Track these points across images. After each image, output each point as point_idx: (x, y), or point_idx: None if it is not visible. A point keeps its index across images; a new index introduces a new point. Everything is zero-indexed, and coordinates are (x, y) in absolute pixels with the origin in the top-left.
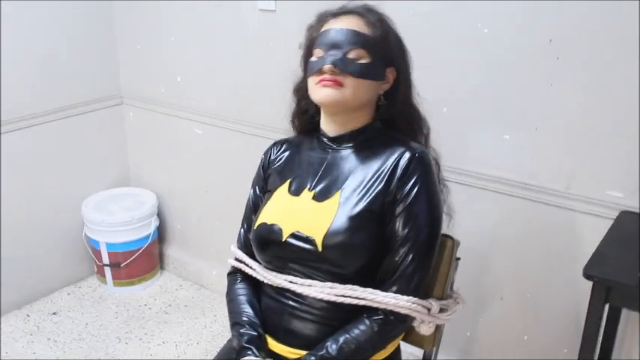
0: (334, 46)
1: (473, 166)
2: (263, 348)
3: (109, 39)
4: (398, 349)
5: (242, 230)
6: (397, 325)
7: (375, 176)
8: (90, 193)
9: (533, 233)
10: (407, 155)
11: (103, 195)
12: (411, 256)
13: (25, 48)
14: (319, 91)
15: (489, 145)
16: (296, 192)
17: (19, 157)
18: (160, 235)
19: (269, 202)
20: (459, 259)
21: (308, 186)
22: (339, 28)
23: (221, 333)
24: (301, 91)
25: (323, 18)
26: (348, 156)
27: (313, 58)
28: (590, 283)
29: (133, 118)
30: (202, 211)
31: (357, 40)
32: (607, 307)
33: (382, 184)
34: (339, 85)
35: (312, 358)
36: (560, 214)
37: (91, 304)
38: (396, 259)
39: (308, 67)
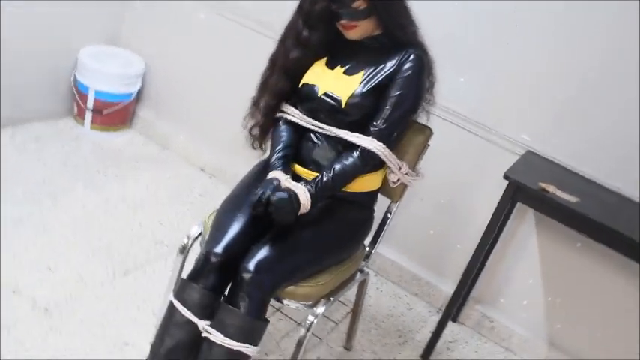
0: (342, 3)
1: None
2: (288, 169)
3: None
4: (377, 192)
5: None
6: (373, 160)
7: (388, 63)
8: (83, 44)
9: (458, 155)
10: (410, 52)
11: (98, 49)
12: (396, 114)
13: None
14: (345, 32)
15: (446, 84)
16: (331, 67)
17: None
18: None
19: (310, 69)
20: (429, 145)
21: (340, 64)
22: None
23: (182, 185)
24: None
25: None
26: (368, 49)
27: (333, 7)
28: (488, 196)
29: None
30: (186, 83)
31: None
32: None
33: (393, 68)
34: (354, 27)
35: (326, 174)
36: (482, 144)
37: (70, 138)
38: (382, 114)
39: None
